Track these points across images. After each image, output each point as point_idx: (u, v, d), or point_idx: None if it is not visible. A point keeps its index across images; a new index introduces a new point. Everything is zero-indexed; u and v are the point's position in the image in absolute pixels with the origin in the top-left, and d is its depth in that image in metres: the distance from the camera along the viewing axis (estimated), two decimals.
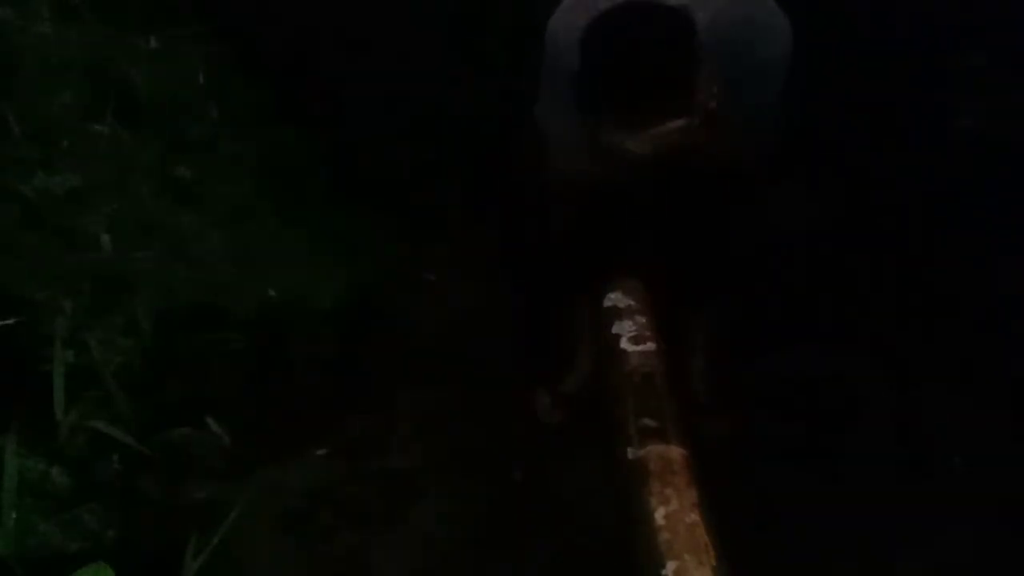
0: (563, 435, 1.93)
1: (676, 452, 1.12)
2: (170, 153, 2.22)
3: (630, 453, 1.14)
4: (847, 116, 2.62)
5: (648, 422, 1.18)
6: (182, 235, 2.03)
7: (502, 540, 1.69)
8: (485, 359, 2.10)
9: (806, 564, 1.61)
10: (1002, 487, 1.81)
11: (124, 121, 2.16)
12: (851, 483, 1.84)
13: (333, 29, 2.83)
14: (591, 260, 1.74)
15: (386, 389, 2.01)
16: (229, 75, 2.59)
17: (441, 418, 1.96)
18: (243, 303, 1.97)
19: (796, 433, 1.93)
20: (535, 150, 1.59)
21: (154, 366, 1.72)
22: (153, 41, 2.43)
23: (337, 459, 1.83)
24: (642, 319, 1.43)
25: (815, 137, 1.99)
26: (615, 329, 1.41)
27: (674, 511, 1.02)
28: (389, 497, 1.76)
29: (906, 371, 2.09)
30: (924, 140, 2.69)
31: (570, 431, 1.93)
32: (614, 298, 1.50)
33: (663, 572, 0.94)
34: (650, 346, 1.36)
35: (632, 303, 1.47)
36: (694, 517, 1.01)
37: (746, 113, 1.46)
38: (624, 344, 1.37)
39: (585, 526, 1.71)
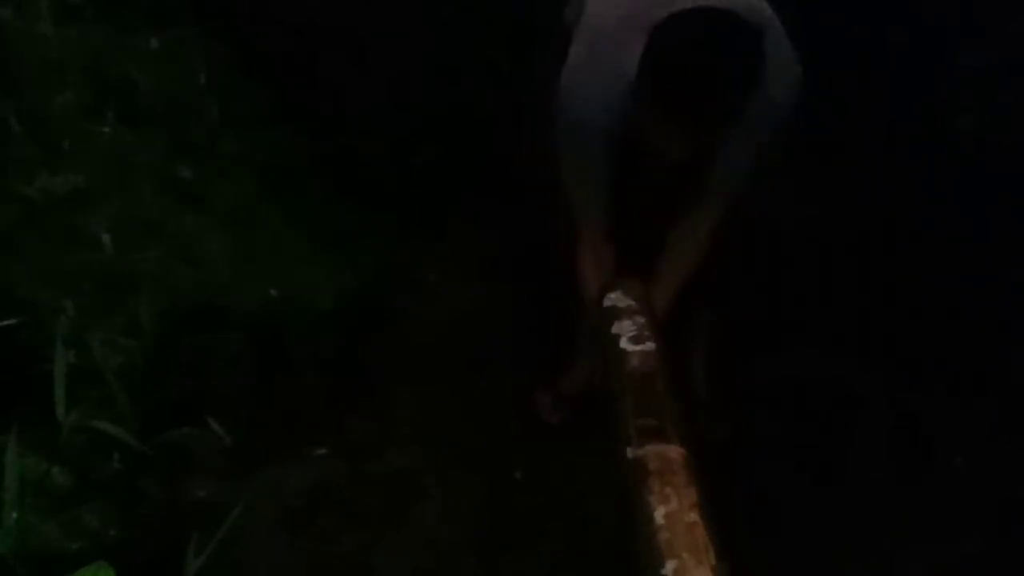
0: (563, 435, 1.94)
1: (675, 451, 1.12)
2: (171, 153, 2.22)
3: (629, 452, 1.14)
4: (846, 116, 2.62)
5: (647, 421, 1.18)
6: (183, 235, 2.03)
7: (502, 539, 1.70)
8: (485, 359, 2.10)
9: (806, 564, 1.61)
10: (1002, 487, 1.81)
11: (125, 121, 2.16)
12: (851, 483, 1.84)
13: (333, 29, 2.84)
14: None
15: (386, 389, 2.01)
16: (230, 75, 2.59)
17: (441, 418, 1.96)
18: (244, 303, 1.98)
19: (796, 433, 1.93)
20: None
21: (155, 366, 1.72)
22: (153, 41, 2.42)
23: (337, 459, 1.83)
24: (642, 319, 1.42)
25: (814, 138, 1.99)
26: (615, 329, 1.41)
27: (674, 510, 1.02)
28: (389, 497, 1.77)
29: (907, 372, 2.09)
30: (924, 140, 2.69)
31: (570, 431, 1.93)
32: (614, 298, 1.49)
33: (663, 571, 0.94)
34: (650, 346, 1.35)
35: (632, 303, 1.47)
36: (693, 516, 1.01)
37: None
38: (624, 344, 1.36)
39: (585, 525, 1.71)
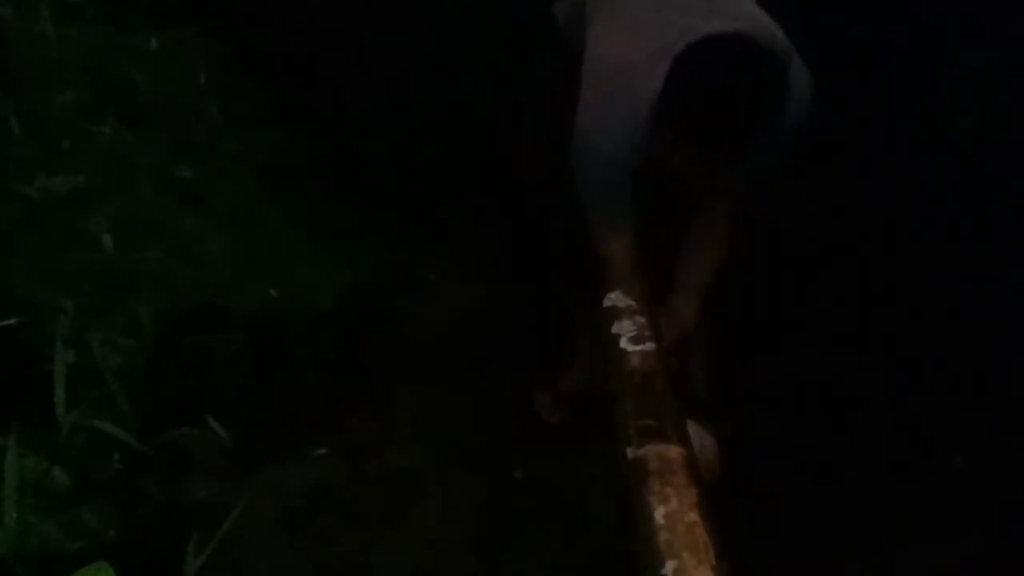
0: (563, 435, 1.94)
1: (675, 451, 1.12)
2: (171, 153, 2.22)
3: (629, 452, 1.14)
4: (846, 116, 2.62)
5: (647, 422, 1.18)
6: (183, 235, 2.03)
7: (502, 539, 1.70)
8: (485, 359, 2.10)
9: (806, 564, 1.61)
10: (1002, 487, 1.81)
11: (125, 121, 2.16)
12: (851, 483, 1.84)
13: (333, 29, 2.84)
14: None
15: (386, 389, 2.01)
16: (230, 75, 2.59)
17: (441, 418, 1.96)
18: (244, 303, 1.97)
19: (796, 433, 1.93)
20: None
21: (155, 366, 1.72)
22: (153, 41, 2.42)
23: (337, 459, 1.83)
24: (642, 319, 1.42)
25: (814, 138, 1.98)
26: (615, 329, 1.41)
27: (673, 510, 1.02)
28: (389, 497, 1.77)
29: (907, 372, 2.09)
30: (924, 140, 2.69)
31: (570, 431, 1.93)
32: (614, 298, 1.49)
33: (663, 571, 0.94)
34: (650, 346, 1.36)
35: (632, 303, 1.47)
36: (693, 516, 1.01)
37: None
38: (624, 344, 1.36)
39: (585, 525, 1.71)
